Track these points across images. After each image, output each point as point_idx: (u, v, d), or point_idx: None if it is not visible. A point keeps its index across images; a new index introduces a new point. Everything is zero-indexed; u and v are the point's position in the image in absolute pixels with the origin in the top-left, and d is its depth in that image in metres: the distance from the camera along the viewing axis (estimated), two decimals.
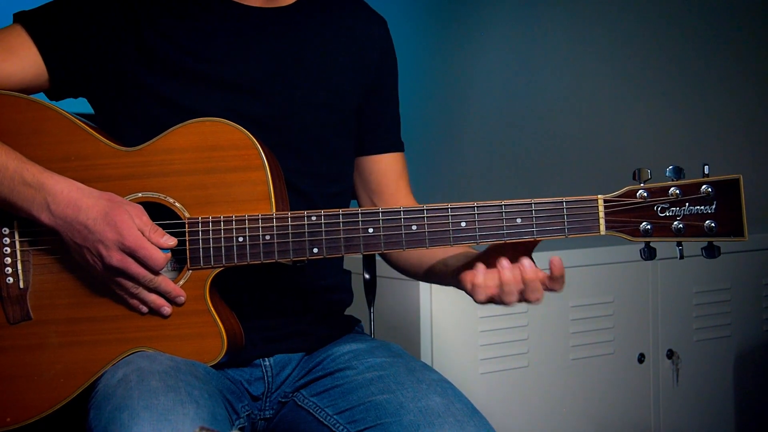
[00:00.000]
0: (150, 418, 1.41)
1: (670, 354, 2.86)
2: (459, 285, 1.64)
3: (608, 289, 2.78)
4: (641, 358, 2.82)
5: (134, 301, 1.61)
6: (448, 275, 1.70)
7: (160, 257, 1.58)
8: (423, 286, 2.48)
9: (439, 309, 2.50)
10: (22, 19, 1.72)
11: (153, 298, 1.60)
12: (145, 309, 1.61)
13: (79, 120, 1.67)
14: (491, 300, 1.59)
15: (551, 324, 2.68)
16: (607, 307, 2.77)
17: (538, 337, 2.66)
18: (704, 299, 2.95)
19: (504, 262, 1.56)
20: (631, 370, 2.81)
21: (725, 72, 3.53)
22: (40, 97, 1.71)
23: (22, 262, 1.66)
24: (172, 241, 1.59)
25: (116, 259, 1.56)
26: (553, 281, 1.57)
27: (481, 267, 1.58)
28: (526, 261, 1.56)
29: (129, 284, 1.59)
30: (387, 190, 1.90)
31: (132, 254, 1.56)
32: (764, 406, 3.06)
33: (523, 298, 1.58)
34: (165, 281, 1.59)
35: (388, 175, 1.90)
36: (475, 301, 1.60)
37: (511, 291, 1.57)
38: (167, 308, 1.60)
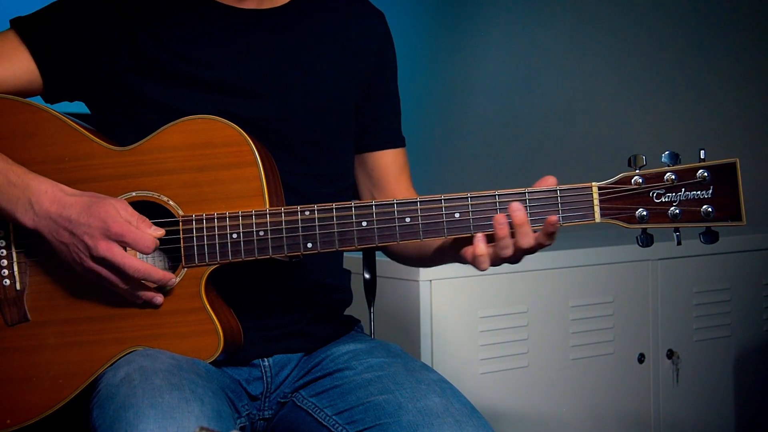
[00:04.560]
0: (155, 416, 1.40)
1: (670, 354, 2.85)
2: (460, 259, 1.63)
3: (608, 289, 2.78)
4: (641, 358, 2.81)
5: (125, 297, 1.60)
6: (446, 250, 1.68)
7: (150, 239, 1.56)
8: (423, 285, 2.48)
9: (439, 309, 2.50)
10: (16, 24, 1.73)
11: (142, 292, 1.59)
12: (139, 301, 1.60)
13: (73, 121, 1.67)
14: (492, 263, 1.58)
15: (551, 324, 2.67)
16: (607, 307, 2.77)
17: (538, 337, 2.65)
18: (704, 299, 2.94)
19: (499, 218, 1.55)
20: (631, 369, 2.81)
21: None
22: (36, 100, 1.71)
23: (19, 263, 1.66)
24: (159, 231, 1.59)
25: (102, 247, 1.55)
26: (546, 235, 1.55)
27: (480, 237, 1.56)
28: (514, 204, 1.53)
29: (117, 280, 1.58)
30: (388, 185, 1.89)
31: (119, 240, 1.55)
32: (764, 406, 3.05)
33: (517, 248, 1.55)
34: (153, 270, 1.58)
35: (389, 171, 1.89)
36: (479, 269, 1.58)
37: (506, 245, 1.54)
38: (159, 298, 1.60)
